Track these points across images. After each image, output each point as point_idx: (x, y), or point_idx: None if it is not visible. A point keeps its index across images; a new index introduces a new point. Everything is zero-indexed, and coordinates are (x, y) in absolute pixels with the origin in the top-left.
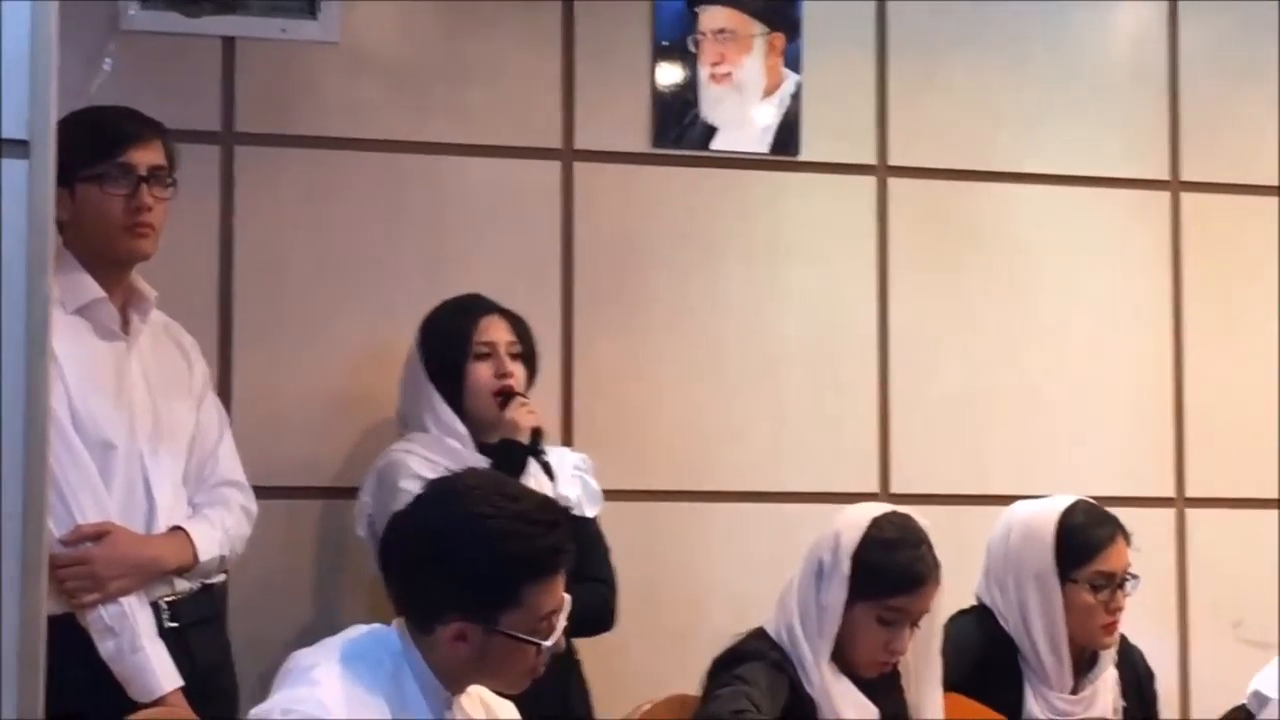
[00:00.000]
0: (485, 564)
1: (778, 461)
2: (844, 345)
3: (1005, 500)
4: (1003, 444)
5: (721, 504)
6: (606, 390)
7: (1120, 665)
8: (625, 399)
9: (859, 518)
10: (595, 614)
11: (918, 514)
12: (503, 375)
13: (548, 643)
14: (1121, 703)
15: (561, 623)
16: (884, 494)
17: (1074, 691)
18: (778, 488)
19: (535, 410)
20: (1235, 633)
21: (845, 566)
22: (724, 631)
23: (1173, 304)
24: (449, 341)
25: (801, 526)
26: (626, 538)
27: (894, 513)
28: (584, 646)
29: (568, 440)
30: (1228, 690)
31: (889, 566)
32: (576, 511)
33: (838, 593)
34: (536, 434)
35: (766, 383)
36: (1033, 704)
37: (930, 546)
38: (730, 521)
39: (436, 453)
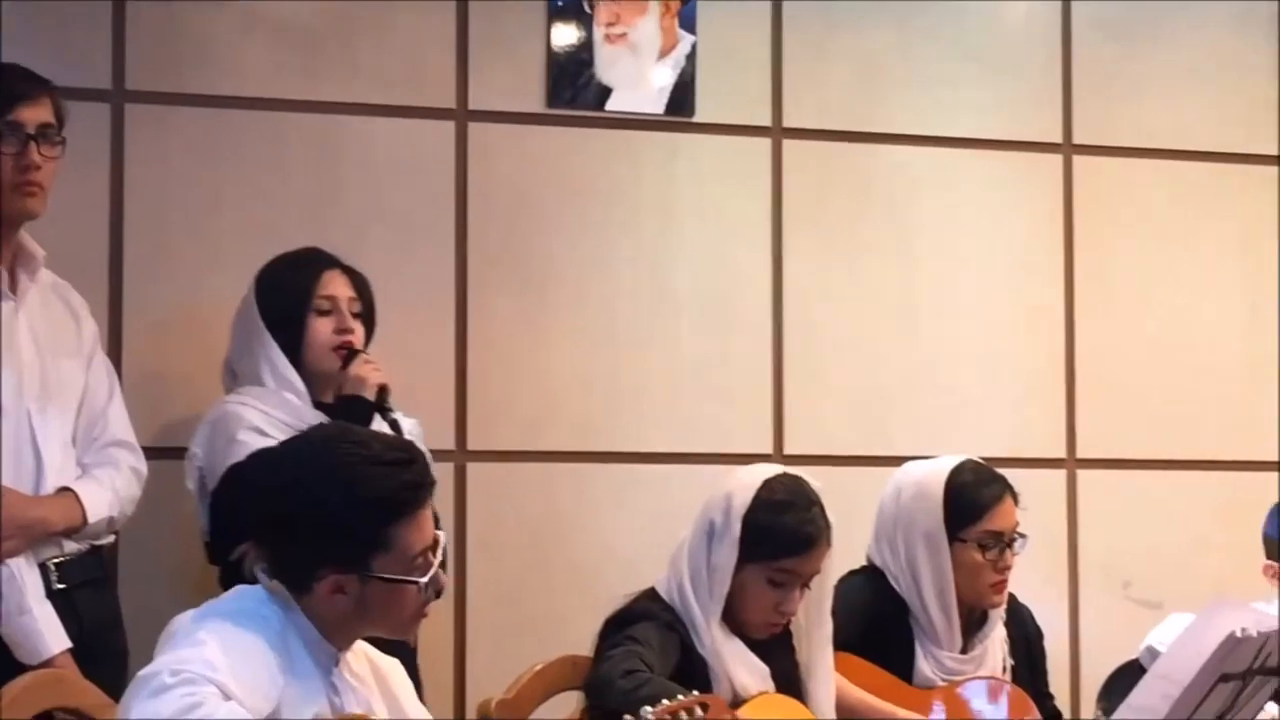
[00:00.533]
0: (346, 513)
1: (672, 423)
2: (738, 307)
3: (897, 461)
4: (895, 405)
5: (615, 465)
6: (500, 351)
7: (1009, 624)
8: (519, 360)
9: (750, 479)
10: None
11: (810, 475)
12: (343, 331)
13: (424, 579)
14: (1010, 661)
15: (438, 558)
16: (777, 455)
17: (964, 651)
18: (672, 449)
19: (379, 366)
20: (1124, 592)
21: (736, 528)
22: (616, 592)
23: (1064, 266)
24: (289, 295)
25: (695, 488)
26: (520, 499)
27: (785, 474)
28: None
29: (461, 399)
30: (1117, 649)
31: (780, 528)
32: None
33: (728, 554)
34: (383, 391)
35: (661, 344)
36: (923, 663)
37: (821, 508)
38: (624, 483)
39: (273, 406)
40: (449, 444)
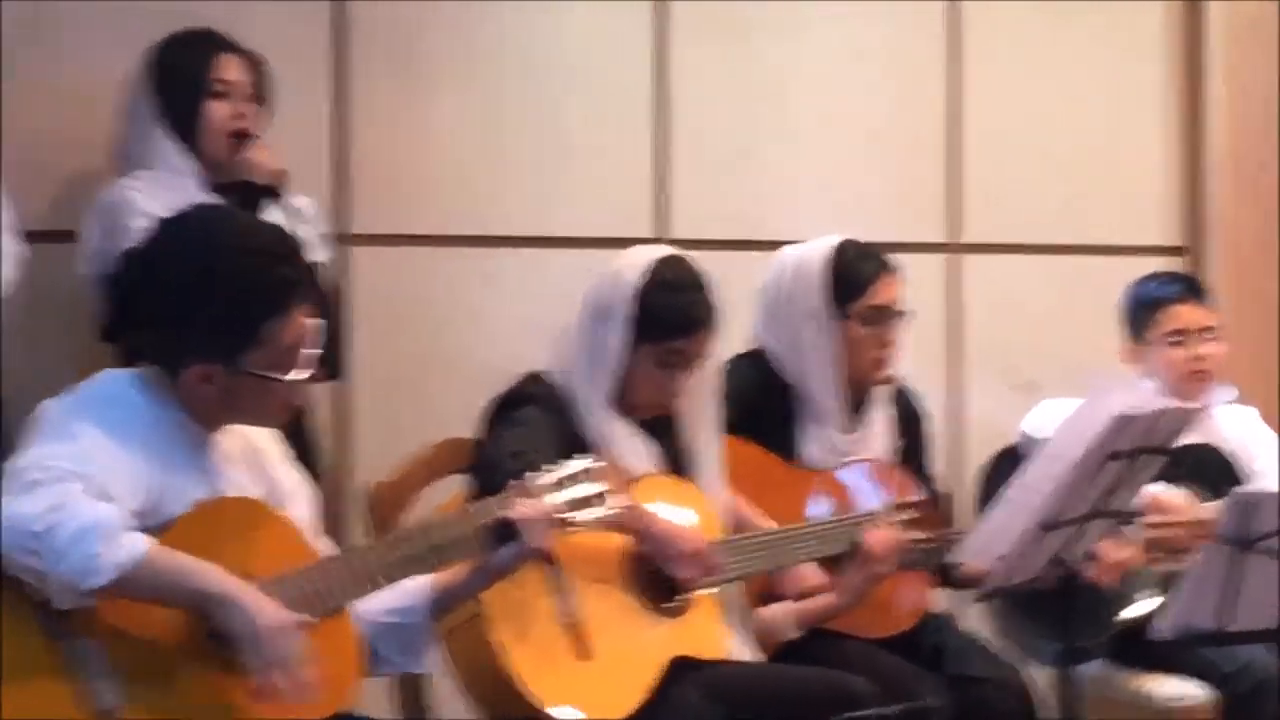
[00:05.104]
0: (221, 305)
1: (554, 206)
2: (621, 89)
3: (775, 246)
4: (775, 190)
5: (496, 249)
6: (381, 132)
7: (894, 406)
8: (401, 142)
9: (640, 260)
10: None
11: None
12: (239, 116)
13: (290, 376)
14: (897, 442)
15: (308, 354)
16: (660, 238)
17: (849, 430)
18: (553, 233)
19: (275, 153)
20: (1007, 376)
21: (625, 308)
22: (500, 375)
23: (947, 44)
24: (182, 78)
25: (577, 271)
26: (403, 282)
27: (674, 256)
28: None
29: (340, 181)
30: (1000, 433)
31: (669, 309)
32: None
33: (618, 334)
34: (279, 177)
35: (543, 125)
36: (808, 444)
37: (710, 290)
38: (506, 266)
39: (165, 189)
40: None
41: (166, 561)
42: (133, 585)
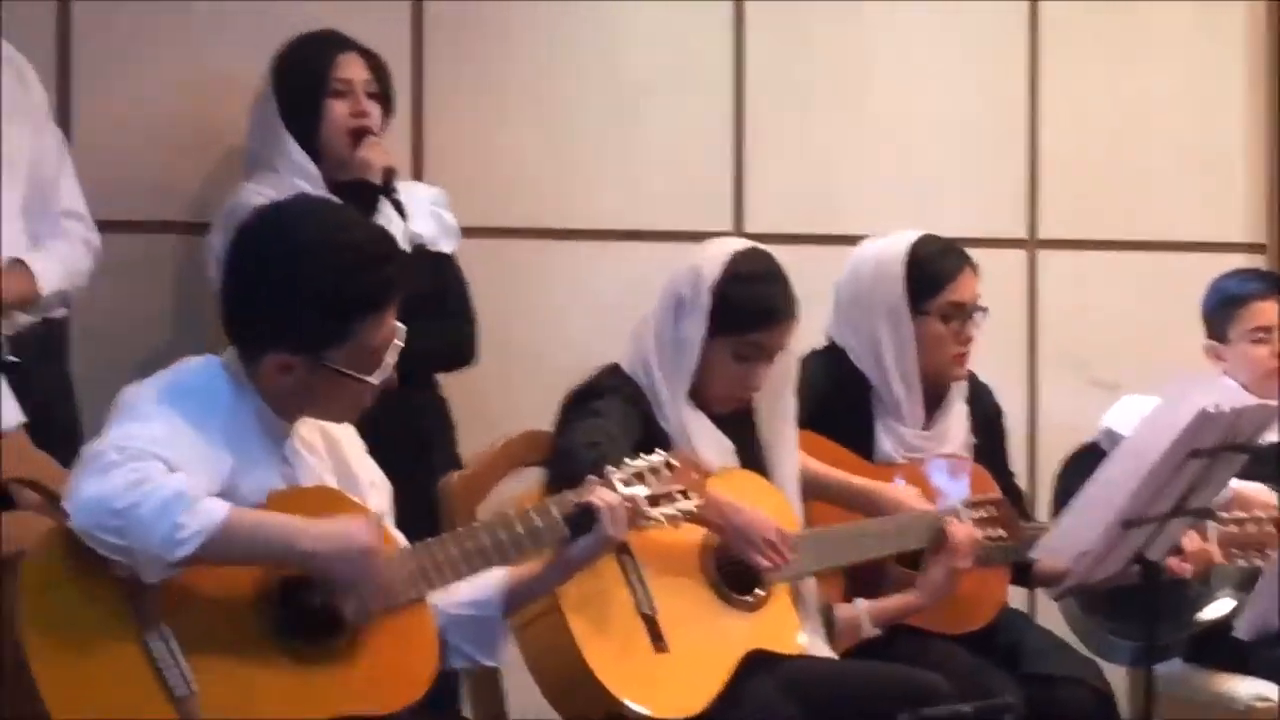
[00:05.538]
0: (318, 299)
1: (632, 200)
2: (699, 84)
3: (854, 241)
4: (855, 185)
5: (575, 242)
6: (459, 125)
7: (970, 402)
8: (478, 134)
9: (719, 252)
10: (454, 349)
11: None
12: (358, 114)
13: (373, 379)
14: (972, 439)
15: (391, 358)
16: (736, 233)
17: (925, 427)
18: (632, 226)
19: (388, 149)
20: (1082, 373)
21: (705, 300)
22: (575, 368)
23: (1029, 44)
24: (304, 78)
25: (656, 264)
26: (476, 275)
27: (753, 249)
28: (442, 384)
29: (418, 175)
30: (1075, 429)
31: (748, 301)
32: (432, 248)
33: (696, 326)
34: (389, 173)
35: (622, 121)
36: (884, 440)
37: (788, 283)
38: (584, 259)
39: (288, 192)
40: None
41: (246, 521)
42: (217, 550)
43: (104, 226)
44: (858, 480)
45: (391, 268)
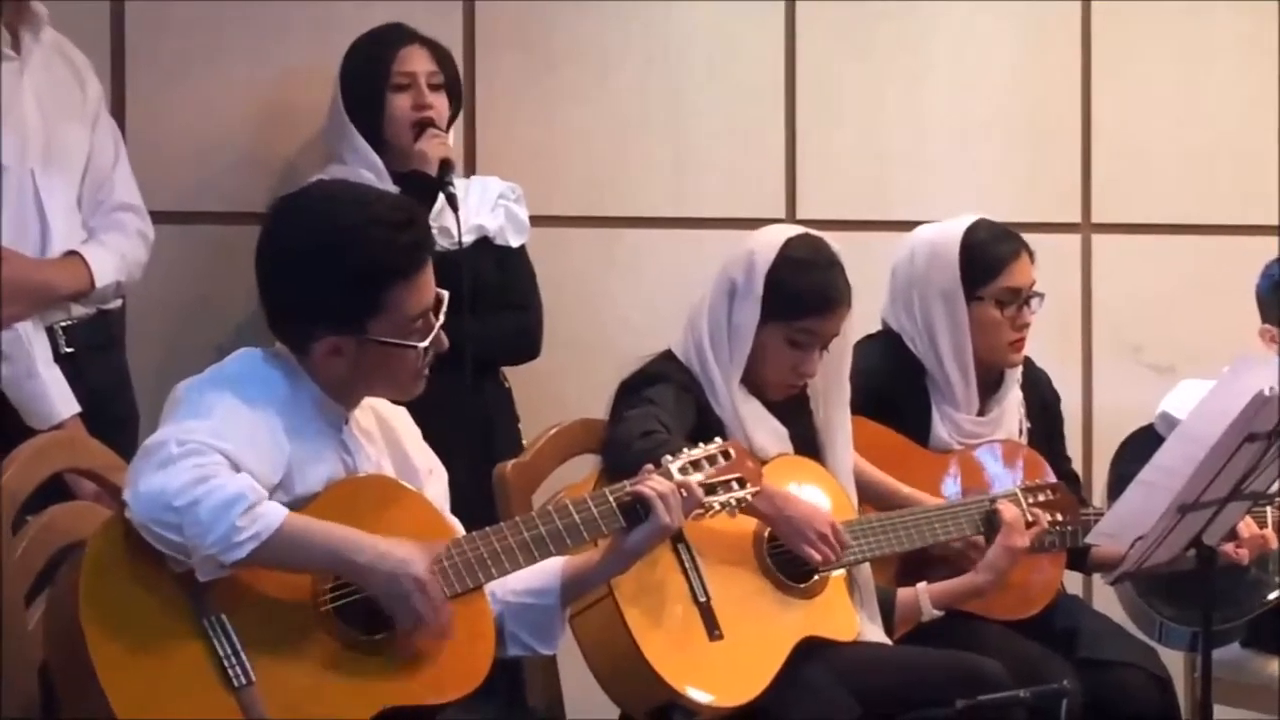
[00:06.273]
0: (341, 274)
1: (683, 187)
2: (752, 72)
3: (908, 226)
4: (908, 170)
5: (629, 230)
6: (511, 116)
7: (1025, 388)
8: (530, 125)
9: (773, 238)
10: (519, 342)
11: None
12: (421, 107)
13: (423, 344)
14: (1027, 424)
15: (439, 320)
16: (790, 220)
17: (981, 413)
18: (685, 213)
19: (446, 142)
20: (1136, 357)
21: (758, 286)
22: (628, 356)
23: (1081, 28)
24: (367, 72)
25: (709, 252)
26: (536, 264)
27: (807, 234)
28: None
29: (472, 167)
30: (1129, 414)
31: (802, 287)
32: (500, 241)
33: (750, 312)
34: (445, 166)
35: (677, 109)
36: (939, 426)
37: (842, 269)
38: (635, 247)
39: None
40: None
41: (303, 528)
42: (272, 554)
43: (156, 217)
44: (905, 489)
45: (412, 233)
